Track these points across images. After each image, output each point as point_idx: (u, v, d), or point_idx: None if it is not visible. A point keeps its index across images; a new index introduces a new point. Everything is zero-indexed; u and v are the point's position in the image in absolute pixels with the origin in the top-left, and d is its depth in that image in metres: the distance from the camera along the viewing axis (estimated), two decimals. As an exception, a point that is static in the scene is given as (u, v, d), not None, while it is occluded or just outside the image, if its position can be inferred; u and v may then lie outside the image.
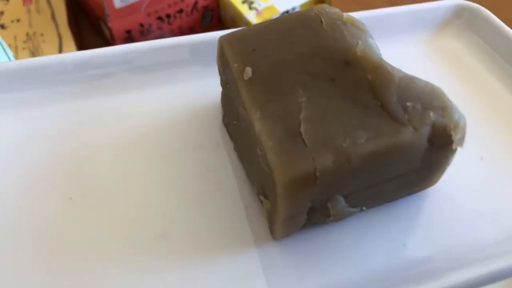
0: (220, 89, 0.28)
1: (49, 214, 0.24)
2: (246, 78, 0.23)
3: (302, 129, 0.21)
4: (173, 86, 0.30)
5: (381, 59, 0.23)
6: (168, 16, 0.42)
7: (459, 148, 0.25)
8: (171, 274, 0.22)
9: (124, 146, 0.27)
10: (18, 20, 0.43)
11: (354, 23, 0.25)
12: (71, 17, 0.44)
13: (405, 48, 0.33)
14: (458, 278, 0.20)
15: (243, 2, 0.42)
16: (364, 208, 0.24)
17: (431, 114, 0.21)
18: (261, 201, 0.24)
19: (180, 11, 0.42)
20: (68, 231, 0.23)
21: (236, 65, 0.24)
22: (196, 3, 0.43)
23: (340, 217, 0.23)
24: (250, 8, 0.43)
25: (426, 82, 0.22)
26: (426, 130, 0.21)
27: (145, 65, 0.30)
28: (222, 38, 0.25)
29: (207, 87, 0.30)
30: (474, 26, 0.33)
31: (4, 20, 0.43)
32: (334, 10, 0.26)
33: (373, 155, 0.20)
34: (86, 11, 0.45)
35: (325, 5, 0.26)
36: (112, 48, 0.29)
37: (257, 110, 0.22)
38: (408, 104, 0.21)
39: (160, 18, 0.42)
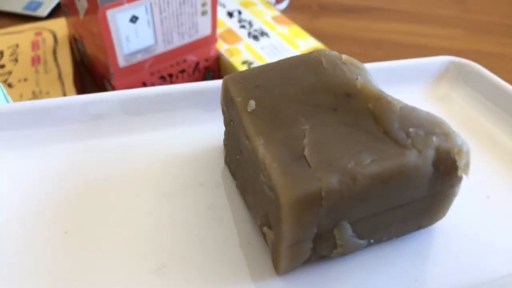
0: (222, 132, 0.29)
1: (45, 247, 0.23)
2: (249, 110, 0.24)
3: (306, 153, 0.21)
4: (177, 130, 0.31)
5: (381, 91, 0.24)
6: (170, 75, 0.44)
7: (466, 187, 0.25)
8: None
9: (124, 184, 0.27)
10: (25, 80, 0.44)
11: (353, 63, 0.26)
12: (77, 76, 0.46)
13: (404, 97, 0.34)
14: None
15: (243, 63, 0.44)
16: (372, 241, 0.23)
17: (434, 138, 0.21)
18: (264, 234, 0.23)
19: (182, 71, 0.44)
20: (63, 265, 0.22)
21: (240, 99, 0.24)
22: (197, 64, 0.45)
23: (347, 249, 0.22)
24: (250, 69, 0.45)
25: (427, 112, 0.23)
26: (430, 154, 0.21)
27: (149, 109, 0.30)
28: (226, 77, 0.26)
29: (210, 131, 0.30)
30: (466, 79, 0.35)
31: (12, 79, 0.45)
32: (333, 52, 0.27)
33: (379, 176, 0.20)
34: (91, 71, 0.46)
35: (324, 49, 0.28)
36: (120, 93, 0.30)
37: (260, 137, 0.22)
38: (411, 130, 0.22)
39: (162, 77, 0.43)
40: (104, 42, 0.37)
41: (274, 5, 0.59)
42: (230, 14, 0.53)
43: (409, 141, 0.21)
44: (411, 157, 0.21)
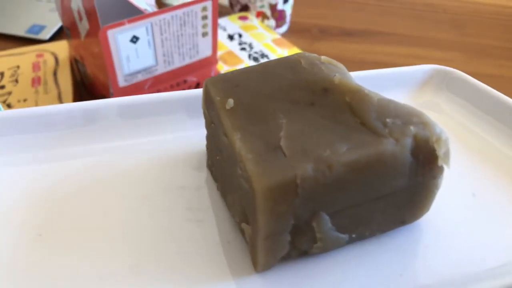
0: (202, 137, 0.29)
1: (18, 249, 0.22)
2: (228, 107, 0.24)
3: (282, 144, 0.21)
4: (161, 136, 0.30)
5: (359, 85, 0.24)
6: (170, 95, 0.44)
7: (452, 185, 0.24)
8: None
9: (104, 187, 0.26)
10: (25, 100, 0.45)
11: (331, 63, 0.26)
12: (77, 96, 0.46)
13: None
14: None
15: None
16: (354, 235, 0.22)
17: (412, 127, 0.21)
18: (243, 231, 0.22)
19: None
20: (36, 266, 0.22)
21: (219, 98, 0.24)
22: (198, 84, 0.45)
23: (328, 244, 0.22)
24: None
25: (405, 104, 0.23)
26: (408, 142, 0.20)
27: (135, 116, 0.30)
28: (207, 80, 0.26)
29: (194, 137, 0.30)
30: (449, 85, 0.35)
31: (11, 99, 0.45)
32: (313, 54, 0.27)
33: (355, 164, 0.20)
34: (91, 91, 0.47)
35: (304, 52, 0.28)
36: (104, 101, 0.30)
37: (238, 132, 0.22)
38: (388, 120, 0.21)
39: (162, 98, 0.44)
40: (105, 61, 0.38)
41: (274, 28, 0.60)
42: (231, 37, 0.54)
43: (386, 131, 0.21)
44: (388, 145, 0.20)
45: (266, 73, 0.26)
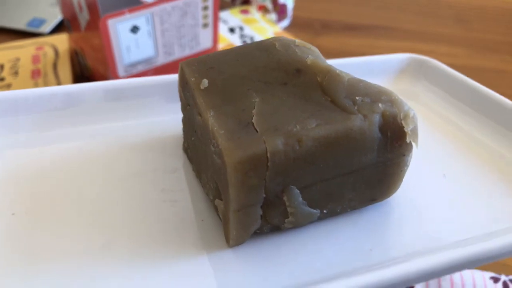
0: (180, 121, 0.29)
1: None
2: (202, 87, 0.24)
3: (253, 120, 0.21)
4: (135, 120, 0.30)
5: (331, 66, 0.24)
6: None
7: (423, 166, 0.25)
8: (117, 283, 0.20)
9: (77, 169, 0.26)
10: None
11: (306, 46, 0.27)
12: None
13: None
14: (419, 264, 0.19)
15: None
16: (325, 211, 0.23)
17: (380, 104, 0.22)
18: (217, 208, 0.23)
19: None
20: (9, 244, 0.22)
21: (193, 79, 0.25)
22: None
23: (299, 219, 0.22)
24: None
25: (375, 84, 0.23)
26: (376, 118, 0.21)
27: (110, 100, 0.30)
28: (182, 63, 0.27)
29: (170, 122, 0.30)
30: (426, 74, 0.36)
31: None
32: (288, 38, 0.28)
33: (324, 138, 0.20)
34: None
35: (280, 36, 0.28)
36: (81, 85, 0.30)
37: (211, 110, 0.22)
38: (357, 98, 0.22)
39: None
40: (105, 52, 0.37)
41: (276, 22, 0.60)
42: (232, 30, 0.54)
43: (355, 108, 0.21)
44: (357, 121, 0.21)
45: (240, 55, 0.26)
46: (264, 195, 0.20)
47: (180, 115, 0.29)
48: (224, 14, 0.57)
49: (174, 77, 0.32)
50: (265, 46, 0.27)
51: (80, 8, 0.39)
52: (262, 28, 0.54)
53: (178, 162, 0.28)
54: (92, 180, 0.26)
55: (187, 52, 0.43)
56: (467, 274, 0.30)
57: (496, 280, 0.31)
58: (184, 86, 0.26)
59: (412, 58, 0.37)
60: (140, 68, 0.41)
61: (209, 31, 0.43)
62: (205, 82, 0.24)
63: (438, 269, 0.19)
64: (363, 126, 0.21)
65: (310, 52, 0.26)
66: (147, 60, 0.41)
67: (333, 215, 0.23)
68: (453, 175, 0.27)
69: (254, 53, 0.26)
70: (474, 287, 0.30)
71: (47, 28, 0.58)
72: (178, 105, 0.30)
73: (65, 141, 0.28)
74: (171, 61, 0.42)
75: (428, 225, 0.24)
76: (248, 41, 0.51)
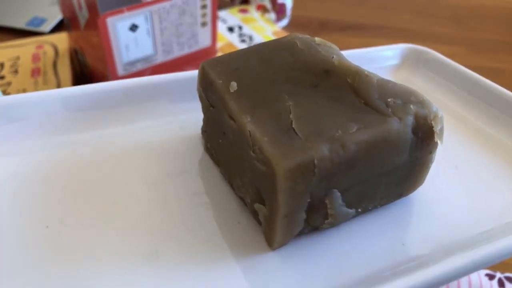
0: (197, 121, 0.29)
1: (26, 242, 0.22)
2: (232, 91, 0.24)
3: (294, 126, 0.21)
4: (151, 122, 0.30)
5: (358, 66, 0.25)
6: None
7: (437, 158, 0.26)
8: (166, 293, 0.20)
9: (103, 176, 0.26)
10: (24, 90, 0.44)
11: (326, 44, 0.27)
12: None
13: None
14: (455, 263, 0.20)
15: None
16: (359, 210, 0.24)
17: (412, 106, 0.22)
18: (256, 212, 0.23)
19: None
20: (52, 256, 0.21)
21: (221, 81, 0.25)
22: None
23: (337, 219, 0.23)
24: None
25: (401, 84, 0.24)
26: (410, 120, 0.22)
27: (121, 102, 0.30)
28: (203, 63, 0.26)
29: (185, 122, 0.30)
30: (424, 64, 0.37)
31: (11, 90, 0.44)
32: (306, 36, 0.28)
33: (366, 142, 0.21)
34: (90, 81, 0.46)
35: (296, 33, 0.28)
36: (96, 86, 0.29)
37: (247, 115, 0.22)
38: (389, 100, 0.23)
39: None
40: (104, 50, 0.37)
41: (275, 22, 0.60)
42: (231, 29, 0.53)
43: (389, 110, 0.22)
44: (394, 124, 0.22)
45: (263, 55, 0.26)
46: (309, 200, 0.21)
47: (193, 114, 0.29)
48: (223, 13, 0.57)
49: (184, 75, 0.31)
50: (286, 45, 0.27)
51: (80, 6, 0.38)
52: (261, 27, 0.54)
53: (201, 163, 0.28)
54: (122, 186, 0.25)
55: (186, 50, 0.43)
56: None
57: (491, 277, 0.32)
58: (207, 87, 0.26)
59: (410, 48, 0.38)
60: (139, 67, 0.40)
61: (207, 30, 0.43)
62: (234, 85, 0.24)
63: (483, 262, 0.20)
64: (399, 128, 0.22)
65: (332, 51, 0.26)
66: (146, 58, 0.40)
67: (365, 212, 0.24)
68: (465, 166, 0.29)
69: (277, 53, 0.26)
70: (469, 284, 0.32)
71: (47, 27, 0.57)
72: (190, 104, 0.30)
73: (80, 147, 0.28)
74: (170, 59, 0.42)
75: (449, 217, 0.25)
76: (247, 41, 0.51)
